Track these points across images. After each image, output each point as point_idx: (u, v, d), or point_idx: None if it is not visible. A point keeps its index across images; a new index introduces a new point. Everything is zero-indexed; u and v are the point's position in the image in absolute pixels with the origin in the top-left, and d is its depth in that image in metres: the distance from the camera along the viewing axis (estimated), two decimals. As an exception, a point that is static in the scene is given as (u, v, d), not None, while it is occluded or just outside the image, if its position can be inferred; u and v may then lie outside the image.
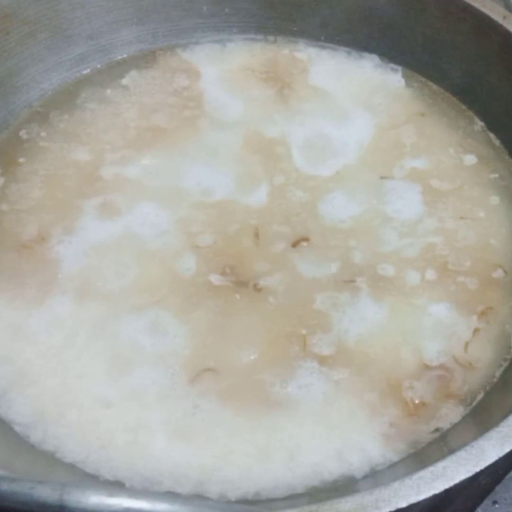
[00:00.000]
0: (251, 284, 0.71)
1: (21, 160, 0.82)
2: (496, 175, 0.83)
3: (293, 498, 0.60)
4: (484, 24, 0.83)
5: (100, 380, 0.66)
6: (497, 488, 0.74)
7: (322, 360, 0.67)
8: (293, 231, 0.76)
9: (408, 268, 0.74)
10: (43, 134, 0.85)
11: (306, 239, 0.75)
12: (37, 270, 0.73)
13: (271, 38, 0.96)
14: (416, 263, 0.74)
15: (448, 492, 0.50)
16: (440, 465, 0.50)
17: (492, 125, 0.87)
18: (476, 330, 0.70)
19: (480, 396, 0.66)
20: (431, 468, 0.50)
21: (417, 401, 0.65)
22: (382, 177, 0.81)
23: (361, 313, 0.70)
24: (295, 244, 0.75)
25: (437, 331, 0.70)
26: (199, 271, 0.72)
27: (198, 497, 0.59)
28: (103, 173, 0.80)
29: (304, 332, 0.69)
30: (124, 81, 0.91)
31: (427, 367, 0.67)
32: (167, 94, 0.89)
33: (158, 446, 0.62)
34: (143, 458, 0.62)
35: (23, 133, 0.85)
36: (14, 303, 0.70)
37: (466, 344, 0.69)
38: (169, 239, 0.75)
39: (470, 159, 0.84)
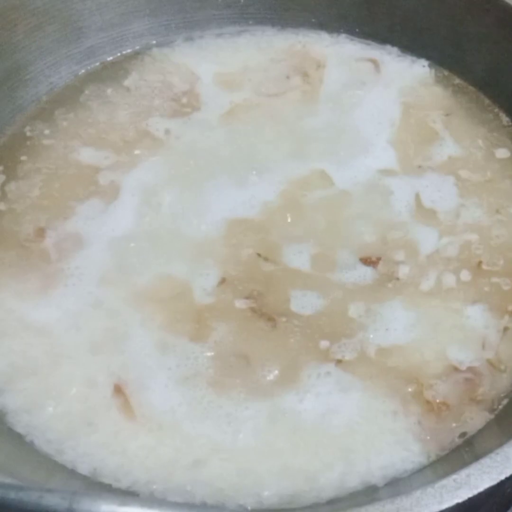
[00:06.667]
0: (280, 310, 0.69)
1: (23, 158, 0.81)
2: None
3: (315, 507, 0.59)
4: (509, 15, 0.81)
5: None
6: (522, 497, 0.72)
7: (347, 364, 0.66)
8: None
9: (445, 270, 0.72)
10: (46, 131, 0.84)
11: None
12: (36, 269, 0.72)
13: (288, 30, 0.94)
14: (453, 264, 0.72)
15: (471, 501, 0.49)
16: (463, 472, 0.50)
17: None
18: (505, 329, 0.68)
19: (505, 401, 0.65)
20: (454, 476, 0.50)
21: (443, 405, 0.64)
22: (418, 167, 0.80)
23: (394, 318, 0.69)
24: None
25: (469, 334, 0.68)
26: (220, 291, 0.70)
27: (213, 507, 0.59)
28: (101, 176, 0.79)
29: (329, 340, 0.67)
30: (126, 82, 0.88)
31: (456, 370, 0.66)
32: (171, 95, 0.87)
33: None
34: (160, 468, 0.61)
35: (27, 130, 0.84)
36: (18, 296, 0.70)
37: (497, 347, 0.67)
38: (178, 254, 0.73)
39: (502, 153, 0.81)
